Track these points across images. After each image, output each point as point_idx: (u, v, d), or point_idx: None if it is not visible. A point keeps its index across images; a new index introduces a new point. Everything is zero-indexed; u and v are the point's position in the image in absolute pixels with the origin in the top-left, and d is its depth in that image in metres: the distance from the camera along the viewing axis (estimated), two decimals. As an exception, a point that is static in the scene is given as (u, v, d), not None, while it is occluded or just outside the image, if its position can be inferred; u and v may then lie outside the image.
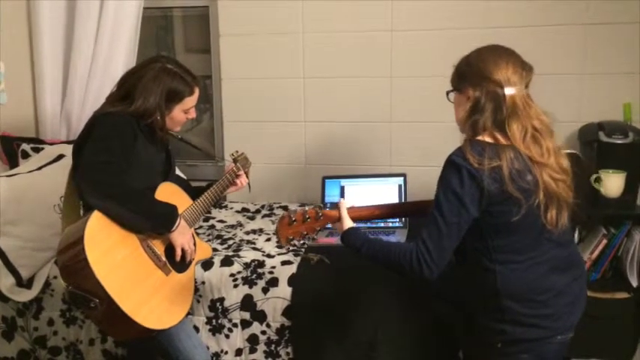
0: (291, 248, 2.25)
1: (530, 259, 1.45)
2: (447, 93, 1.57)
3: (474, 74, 1.46)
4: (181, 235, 1.80)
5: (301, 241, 1.61)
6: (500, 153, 1.39)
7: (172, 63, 1.85)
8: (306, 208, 1.64)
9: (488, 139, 1.44)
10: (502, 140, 1.43)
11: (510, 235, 1.43)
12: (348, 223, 1.61)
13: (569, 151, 1.56)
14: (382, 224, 2.40)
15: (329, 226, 1.71)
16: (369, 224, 2.32)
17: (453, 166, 1.40)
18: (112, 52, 2.79)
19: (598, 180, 2.40)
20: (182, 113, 1.87)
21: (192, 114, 1.91)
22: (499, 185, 1.37)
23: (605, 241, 2.38)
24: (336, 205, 1.67)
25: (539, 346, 1.48)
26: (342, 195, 2.50)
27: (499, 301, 1.45)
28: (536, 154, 1.41)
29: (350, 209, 1.65)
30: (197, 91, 1.88)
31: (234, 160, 2.10)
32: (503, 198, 1.38)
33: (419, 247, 1.41)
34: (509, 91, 1.42)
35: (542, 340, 1.47)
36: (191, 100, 1.87)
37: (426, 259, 1.39)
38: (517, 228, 1.41)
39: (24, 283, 2.20)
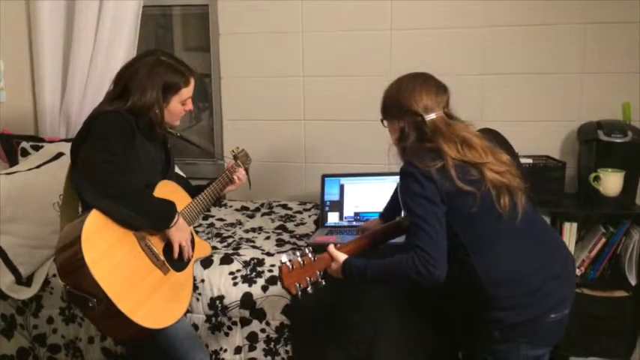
0: (289, 247, 2.26)
1: (499, 241, 1.54)
2: (382, 120, 1.72)
3: (395, 108, 1.64)
4: (179, 232, 1.80)
5: (309, 288, 1.63)
6: (438, 155, 1.53)
7: (166, 55, 1.84)
8: (298, 253, 1.67)
9: (427, 146, 1.57)
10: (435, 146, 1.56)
11: (475, 224, 1.53)
12: (341, 257, 1.64)
13: (482, 127, 1.69)
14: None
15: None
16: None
17: (407, 174, 1.53)
18: (111, 51, 2.80)
19: (597, 179, 2.41)
20: (179, 105, 1.86)
21: (190, 106, 1.90)
22: (450, 182, 1.50)
23: (603, 240, 2.39)
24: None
25: (535, 327, 1.53)
26: (341, 194, 2.50)
27: (485, 290, 1.52)
28: (474, 157, 1.53)
29: (338, 247, 1.69)
30: (193, 82, 1.87)
31: (235, 157, 2.10)
32: (457, 193, 1.50)
33: (417, 253, 1.47)
34: (428, 117, 1.58)
35: (536, 320, 1.52)
36: (187, 91, 1.86)
37: (428, 260, 1.45)
38: (479, 217, 1.51)
39: (23, 281, 2.20)
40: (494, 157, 1.55)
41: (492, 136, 1.67)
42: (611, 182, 2.40)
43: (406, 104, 1.60)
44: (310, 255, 1.67)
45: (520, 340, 1.53)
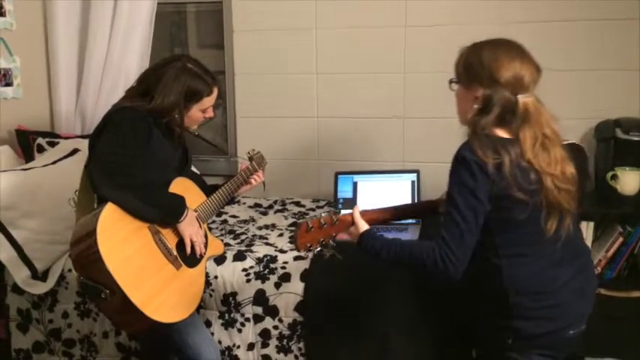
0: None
1: (535, 253, 1.45)
2: (450, 82, 1.53)
3: (485, 74, 1.42)
4: (189, 226, 1.81)
5: (318, 248, 1.62)
6: (501, 149, 1.37)
7: (193, 62, 1.86)
8: (322, 214, 1.64)
9: (492, 133, 1.42)
10: (505, 134, 1.42)
11: (516, 230, 1.43)
12: (362, 226, 1.60)
13: (569, 141, 1.54)
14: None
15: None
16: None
17: (463, 161, 1.38)
18: (125, 48, 2.82)
19: (614, 177, 2.38)
20: (200, 112, 1.89)
21: (210, 113, 1.93)
22: (504, 183, 1.37)
23: (621, 240, 2.35)
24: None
25: (551, 340, 1.48)
26: (354, 191, 2.50)
27: (507, 297, 1.44)
28: (543, 162, 1.39)
29: (362, 213, 1.64)
30: (216, 91, 1.90)
31: (250, 159, 2.12)
32: (508, 197, 1.38)
33: (441, 245, 1.40)
34: (522, 97, 1.39)
35: (553, 334, 1.47)
36: (209, 100, 1.88)
37: (449, 257, 1.39)
38: (523, 224, 1.41)
39: (39, 276, 2.23)
40: (561, 169, 1.41)
41: (572, 152, 1.49)
42: (628, 181, 2.37)
43: (501, 73, 1.39)
44: (334, 216, 1.62)
45: (533, 351, 1.48)
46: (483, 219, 1.40)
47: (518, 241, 1.44)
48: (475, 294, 1.58)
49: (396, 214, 1.74)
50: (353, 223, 1.61)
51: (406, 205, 1.78)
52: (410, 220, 2.37)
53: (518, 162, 1.37)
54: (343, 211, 2.42)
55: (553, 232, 1.42)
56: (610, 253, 2.37)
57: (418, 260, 1.43)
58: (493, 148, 1.37)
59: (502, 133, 1.42)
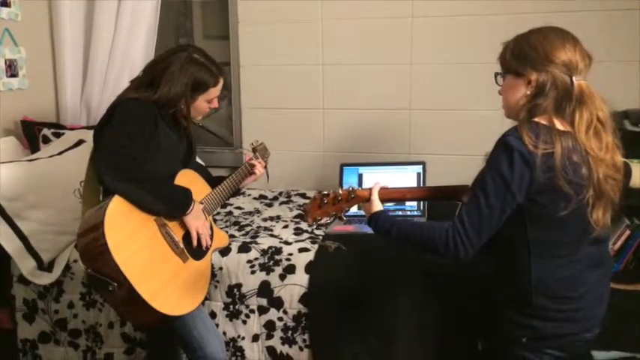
0: (307, 236, 2.26)
1: (569, 255, 1.40)
2: (496, 75, 1.48)
3: (538, 57, 1.38)
4: (195, 219, 1.81)
5: (328, 220, 1.60)
6: (555, 140, 1.31)
7: (199, 53, 1.85)
8: (339, 190, 1.62)
9: (544, 122, 1.36)
10: (559, 126, 1.36)
11: (554, 229, 1.37)
12: (376, 205, 1.57)
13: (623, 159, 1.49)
14: (400, 212, 2.38)
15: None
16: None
17: (507, 148, 1.32)
18: (131, 39, 2.81)
19: (622, 170, 2.35)
20: (205, 103, 1.88)
21: (215, 104, 1.92)
22: (549, 175, 1.30)
23: (628, 232, 2.33)
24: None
25: (567, 342, 1.44)
26: (360, 183, 2.49)
27: (530, 297, 1.40)
28: (595, 147, 1.34)
29: (381, 190, 1.61)
30: (221, 82, 1.89)
31: (254, 150, 2.11)
32: (552, 190, 1.32)
33: (456, 227, 1.36)
34: (578, 78, 1.35)
35: (571, 336, 1.43)
36: (215, 91, 1.88)
37: (463, 240, 1.35)
38: (562, 223, 1.35)
39: (45, 267, 2.23)
40: (611, 156, 1.37)
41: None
42: (636, 173, 2.34)
43: (555, 54, 1.35)
44: (351, 193, 1.61)
45: (546, 351, 1.44)
46: (511, 211, 1.35)
47: (552, 241, 1.39)
48: (495, 288, 1.53)
49: (415, 195, 1.71)
50: (369, 199, 1.59)
51: (427, 188, 1.73)
52: (415, 213, 2.38)
53: (569, 154, 1.31)
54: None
55: (600, 225, 1.37)
56: (617, 246, 2.35)
57: (429, 240, 1.39)
58: (544, 136, 1.31)
59: (557, 123, 1.36)
